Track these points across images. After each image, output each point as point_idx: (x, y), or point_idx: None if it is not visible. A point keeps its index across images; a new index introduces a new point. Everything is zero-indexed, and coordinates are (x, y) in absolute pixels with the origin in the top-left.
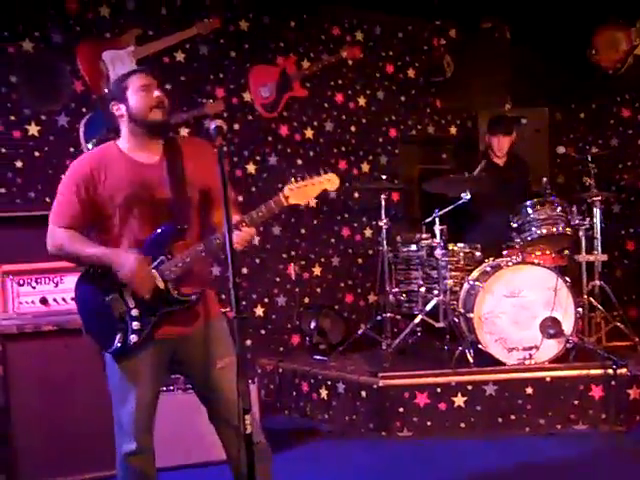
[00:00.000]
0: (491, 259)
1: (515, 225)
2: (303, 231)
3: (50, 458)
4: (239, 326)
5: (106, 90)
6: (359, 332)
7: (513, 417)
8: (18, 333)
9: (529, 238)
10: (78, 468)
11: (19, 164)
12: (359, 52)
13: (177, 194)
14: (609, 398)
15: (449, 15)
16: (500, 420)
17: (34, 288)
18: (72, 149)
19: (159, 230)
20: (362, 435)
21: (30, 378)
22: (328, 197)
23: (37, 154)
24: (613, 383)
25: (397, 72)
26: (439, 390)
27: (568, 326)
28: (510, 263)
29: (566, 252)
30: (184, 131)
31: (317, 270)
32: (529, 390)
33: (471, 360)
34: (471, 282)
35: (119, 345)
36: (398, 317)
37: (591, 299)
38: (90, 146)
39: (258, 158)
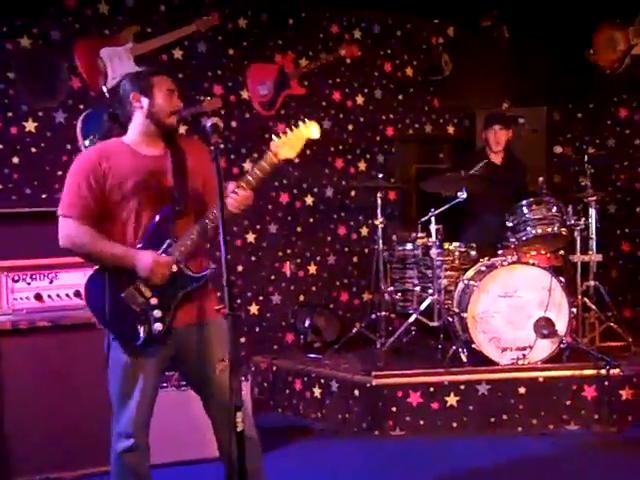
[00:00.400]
0: (486, 258)
1: (510, 225)
2: (299, 229)
3: (44, 454)
4: (232, 323)
5: (124, 76)
6: (353, 331)
7: (505, 417)
8: (12, 329)
9: (524, 238)
10: (72, 464)
11: (15, 160)
12: (357, 50)
13: (180, 182)
14: (602, 398)
15: (448, 14)
16: (492, 420)
17: (29, 284)
18: (69, 146)
19: (160, 214)
20: (355, 434)
21: (24, 374)
22: (325, 195)
23: (34, 150)
24: (606, 383)
25: (395, 71)
26: (432, 389)
27: (562, 326)
28: (505, 263)
29: (561, 252)
30: (182, 128)
31: (312, 268)
32: (522, 390)
33: (464, 359)
34: (466, 281)
35: (144, 337)
36: (393, 316)
37: (585, 299)
38: (87, 143)
39: (255, 155)
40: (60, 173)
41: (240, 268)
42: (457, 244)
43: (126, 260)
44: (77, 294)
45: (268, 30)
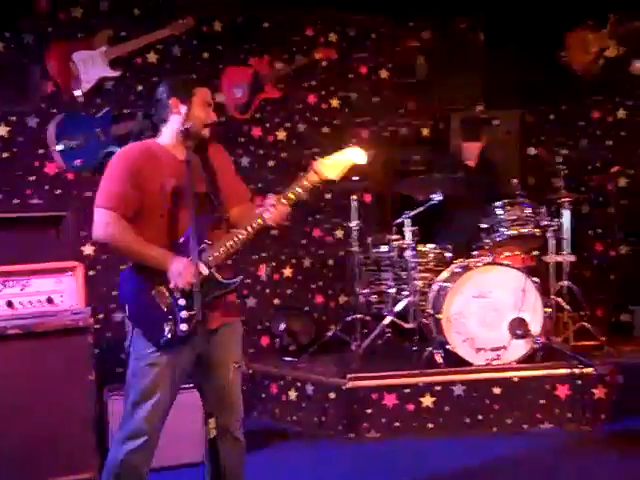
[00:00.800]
0: (460, 260)
1: (485, 226)
2: (274, 232)
3: (14, 463)
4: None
5: (166, 80)
6: (329, 333)
7: (480, 417)
8: None
9: (498, 239)
10: (43, 472)
11: None
12: (333, 53)
13: (214, 188)
14: (575, 398)
15: (423, 16)
16: (468, 420)
17: (0, 291)
18: (42, 151)
19: (199, 220)
20: (331, 437)
21: None
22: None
23: (5, 155)
24: (579, 383)
25: (370, 73)
26: (407, 391)
27: (536, 326)
28: (479, 264)
29: (535, 253)
30: None
31: (288, 271)
32: (497, 390)
33: (440, 361)
34: (440, 283)
35: (169, 336)
36: (368, 318)
37: (559, 299)
38: (61, 147)
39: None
40: (33, 178)
41: None
42: (432, 246)
43: (160, 262)
44: (49, 301)
45: (243, 33)
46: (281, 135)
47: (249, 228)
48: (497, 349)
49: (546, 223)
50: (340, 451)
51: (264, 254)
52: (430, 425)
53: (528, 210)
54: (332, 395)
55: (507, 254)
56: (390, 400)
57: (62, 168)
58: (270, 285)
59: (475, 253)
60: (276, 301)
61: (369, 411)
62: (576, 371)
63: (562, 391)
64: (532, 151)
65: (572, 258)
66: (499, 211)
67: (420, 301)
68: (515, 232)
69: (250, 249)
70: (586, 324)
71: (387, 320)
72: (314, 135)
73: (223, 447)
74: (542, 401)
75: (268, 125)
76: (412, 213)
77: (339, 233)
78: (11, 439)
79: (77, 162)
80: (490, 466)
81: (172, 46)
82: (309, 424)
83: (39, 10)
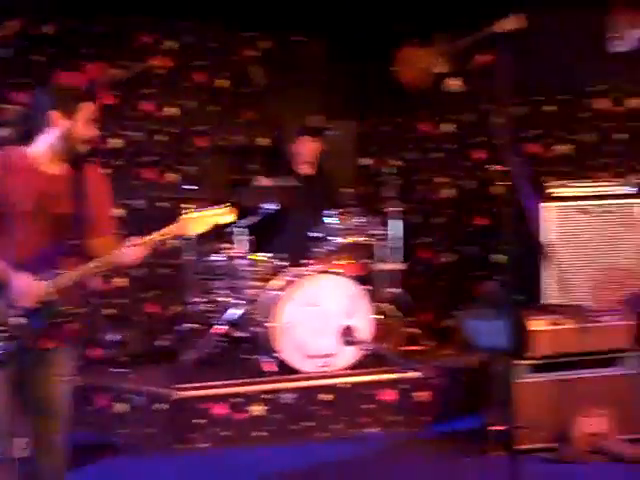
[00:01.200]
0: (292, 269)
1: (318, 235)
2: None
3: None
4: None
5: (46, 88)
6: (160, 344)
7: (311, 424)
8: None
9: (330, 248)
10: None
11: None
12: (169, 61)
13: (79, 211)
14: (401, 401)
15: (262, 27)
16: (299, 427)
17: None
18: None
19: (53, 242)
20: (160, 449)
21: None
22: (134, 207)
23: None
24: (405, 387)
25: (208, 82)
26: (238, 400)
27: (365, 333)
28: (311, 272)
29: (366, 261)
30: None
31: (120, 281)
32: (326, 397)
33: (271, 369)
34: (272, 291)
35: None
36: (201, 328)
37: (389, 306)
38: None
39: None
40: None
41: None
42: (265, 255)
43: (2, 276)
44: None
45: (76, 37)
46: (116, 143)
47: (101, 262)
48: (327, 356)
49: (377, 232)
50: (169, 463)
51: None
52: (261, 433)
53: (360, 219)
54: (161, 406)
55: (339, 262)
56: (220, 410)
57: None
58: (100, 295)
59: (307, 262)
60: (107, 311)
61: (199, 421)
62: (402, 376)
63: (389, 395)
64: (365, 161)
65: (402, 266)
66: (332, 220)
67: (252, 310)
68: (347, 241)
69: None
70: (414, 330)
71: (219, 329)
72: (150, 143)
73: (43, 461)
74: (370, 406)
75: (102, 133)
76: (245, 222)
77: (173, 241)
78: None
79: None
80: (321, 472)
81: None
82: (138, 436)
83: None
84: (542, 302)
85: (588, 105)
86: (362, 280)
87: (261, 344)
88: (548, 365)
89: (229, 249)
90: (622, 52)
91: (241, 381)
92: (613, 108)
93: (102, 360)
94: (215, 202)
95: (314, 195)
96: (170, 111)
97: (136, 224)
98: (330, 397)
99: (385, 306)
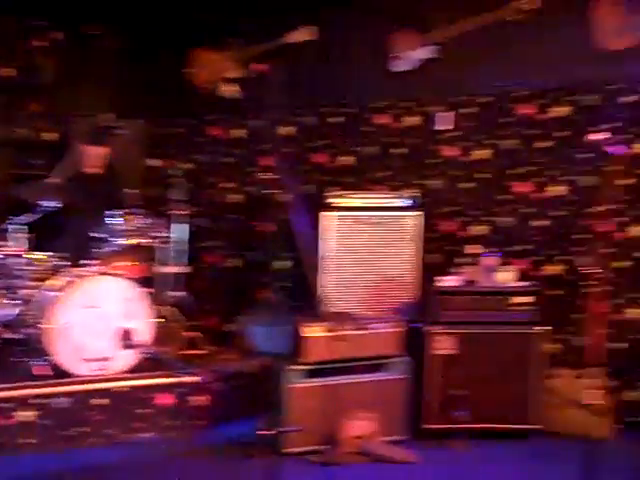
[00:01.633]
0: (72, 269)
1: (100, 235)
2: None
3: None
4: None
5: None
6: None
7: (85, 429)
8: None
9: (112, 249)
10: None
11: None
12: None
13: None
14: (178, 406)
15: (55, 17)
16: (73, 433)
17: None
18: None
19: None
20: None
21: None
22: None
23: None
24: (182, 391)
25: None
26: (8, 405)
27: (144, 336)
28: (90, 274)
29: (150, 263)
30: None
31: None
32: (102, 401)
33: (44, 372)
34: (49, 292)
35: None
36: None
37: (172, 309)
38: None
39: None
40: None
41: None
42: (44, 254)
43: None
44: None
45: None
46: None
47: None
48: (104, 359)
49: (162, 235)
50: None
51: None
52: (33, 440)
53: (144, 221)
54: None
55: (120, 264)
56: None
57: None
58: None
59: (88, 262)
60: None
61: None
62: (180, 380)
63: (166, 400)
64: (154, 162)
65: (186, 269)
66: (115, 221)
67: (28, 310)
68: (129, 242)
69: None
70: (195, 334)
71: None
72: None
73: None
74: (147, 410)
75: None
76: (24, 219)
77: None
78: None
79: None
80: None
81: None
82: None
83: None
84: (317, 309)
85: (370, 119)
86: (144, 282)
87: (34, 346)
88: (321, 370)
89: (3, 247)
90: (402, 71)
91: (10, 385)
92: (393, 124)
93: None
94: None
95: (98, 194)
96: None
97: None
98: (105, 401)
99: (166, 309)
